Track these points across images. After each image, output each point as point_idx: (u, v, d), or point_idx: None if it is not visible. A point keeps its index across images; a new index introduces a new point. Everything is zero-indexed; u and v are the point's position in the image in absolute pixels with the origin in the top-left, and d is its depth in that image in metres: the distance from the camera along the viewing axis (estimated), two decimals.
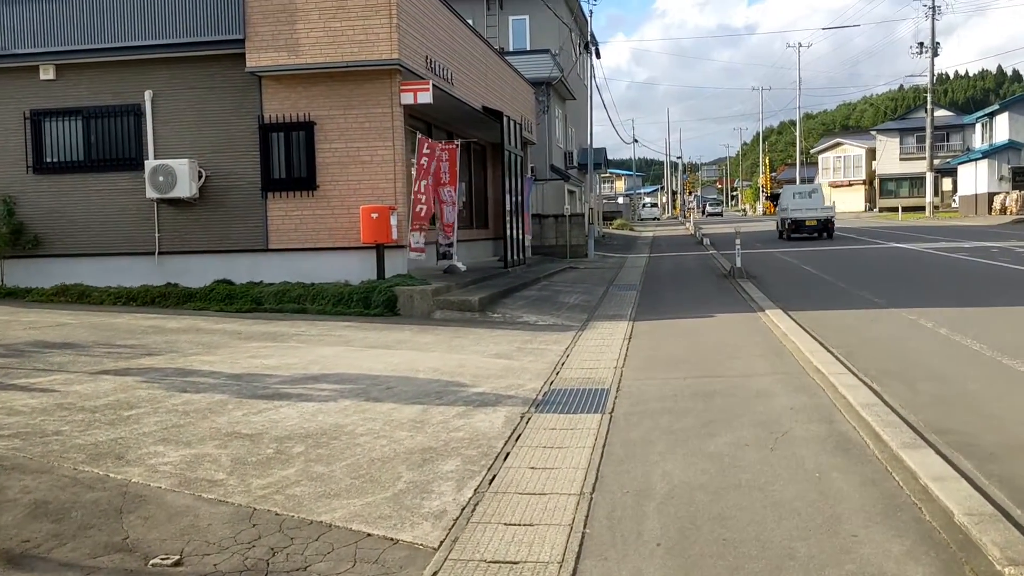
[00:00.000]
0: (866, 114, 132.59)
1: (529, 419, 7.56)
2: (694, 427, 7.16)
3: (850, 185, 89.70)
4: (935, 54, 62.83)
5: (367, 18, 15.00)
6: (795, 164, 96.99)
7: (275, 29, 15.24)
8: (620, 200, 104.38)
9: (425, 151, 16.28)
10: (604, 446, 6.69)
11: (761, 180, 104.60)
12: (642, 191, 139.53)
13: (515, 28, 36.95)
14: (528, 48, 35.06)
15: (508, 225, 21.96)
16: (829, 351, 10.56)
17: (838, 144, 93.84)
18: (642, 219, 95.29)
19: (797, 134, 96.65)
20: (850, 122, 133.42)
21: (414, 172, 16.25)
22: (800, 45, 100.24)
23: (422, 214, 16.33)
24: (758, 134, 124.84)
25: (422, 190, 16.28)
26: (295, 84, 15.70)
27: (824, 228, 37.22)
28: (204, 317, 14.23)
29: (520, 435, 7.01)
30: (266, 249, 15.93)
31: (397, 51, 14.95)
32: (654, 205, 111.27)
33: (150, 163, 15.69)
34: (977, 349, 10.40)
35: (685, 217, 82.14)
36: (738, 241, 21.48)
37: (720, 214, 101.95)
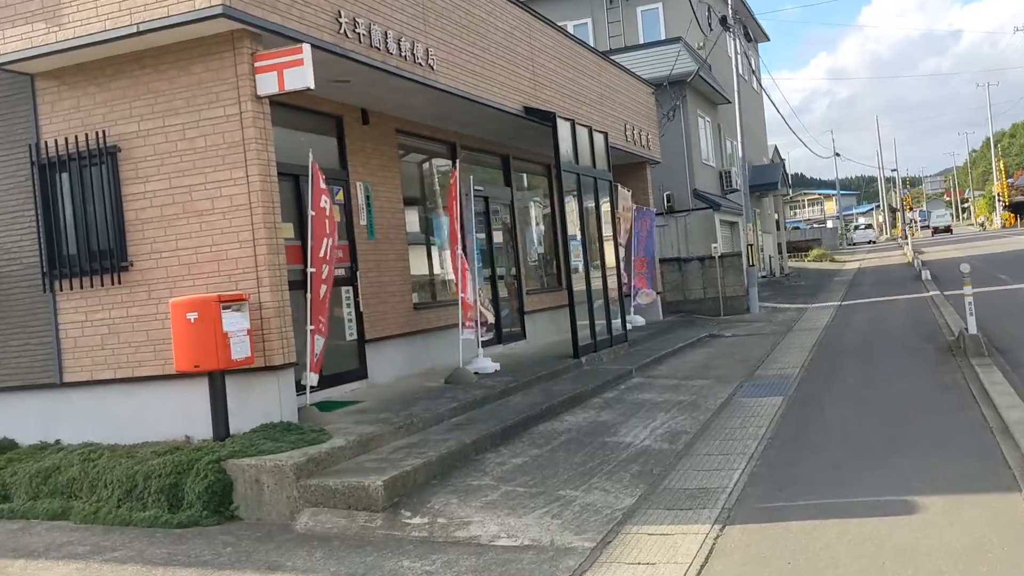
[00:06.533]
0: None
1: None
2: None
3: None
4: None
5: None
6: None
7: None
8: (829, 224, 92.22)
9: (323, 185, 8.74)
10: None
11: (996, 188, 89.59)
12: (856, 211, 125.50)
13: (646, 21, 28.93)
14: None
15: (585, 284, 14.02)
16: None
17: None
18: (854, 243, 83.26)
19: None
20: None
21: (318, 222, 8.74)
22: None
23: (327, 300, 8.80)
24: (987, 139, 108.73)
25: (326, 256, 8.73)
26: (84, 82, 8.66)
27: (947, 229, 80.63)
28: None
29: None
30: (60, 384, 8.87)
31: None
32: (868, 226, 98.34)
33: None
34: None
35: (905, 239, 69.75)
36: (969, 290, 12.43)
37: (948, 230, 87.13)
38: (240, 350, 7.68)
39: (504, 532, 6.43)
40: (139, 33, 7.88)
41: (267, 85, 8.08)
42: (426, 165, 13.71)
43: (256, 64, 8.09)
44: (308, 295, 8.63)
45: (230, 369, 7.78)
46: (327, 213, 8.65)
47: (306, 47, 8.01)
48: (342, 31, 9.07)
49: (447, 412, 9.33)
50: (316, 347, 8.61)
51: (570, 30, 22.03)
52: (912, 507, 6.20)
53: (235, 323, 7.67)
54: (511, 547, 6.19)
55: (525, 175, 17.11)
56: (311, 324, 8.57)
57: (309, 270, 8.64)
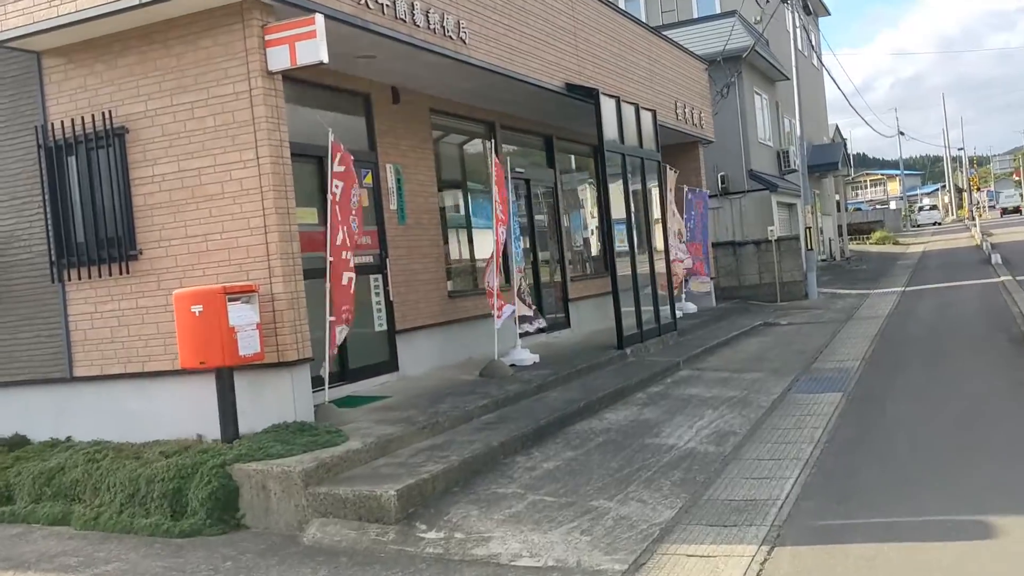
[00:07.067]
0: None
1: None
2: None
3: None
4: None
5: None
6: None
7: None
8: (893, 204, 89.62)
9: (337, 167, 8.14)
10: None
11: None
12: (920, 191, 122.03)
13: None
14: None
15: (631, 270, 13.31)
16: None
17: None
18: (918, 225, 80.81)
19: None
20: None
21: (336, 207, 8.17)
22: None
23: (352, 288, 8.23)
24: None
25: (346, 242, 8.15)
26: (90, 60, 8.18)
27: (1016, 210, 76.21)
28: None
29: None
30: (70, 378, 8.46)
31: None
32: (933, 207, 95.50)
33: None
34: None
35: (972, 220, 67.36)
36: None
37: (1018, 210, 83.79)
38: (248, 345, 7.15)
39: (527, 550, 5.80)
40: (142, 5, 7.35)
41: (278, 59, 7.52)
42: (464, 146, 13.09)
43: (266, 37, 7.53)
44: (327, 285, 8.08)
45: (239, 365, 7.26)
46: (348, 197, 8.05)
47: (318, 17, 7.41)
48: (363, 2, 8.46)
49: (477, 410, 8.72)
50: (338, 338, 8.04)
51: (621, 5, 21.17)
52: (989, 529, 5.45)
53: (243, 316, 7.14)
54: (533, 568, 5.57)
55: (572, 156, 16.40)
56: (331, 315, 8.01)
57: (328, 259, 8.07)
